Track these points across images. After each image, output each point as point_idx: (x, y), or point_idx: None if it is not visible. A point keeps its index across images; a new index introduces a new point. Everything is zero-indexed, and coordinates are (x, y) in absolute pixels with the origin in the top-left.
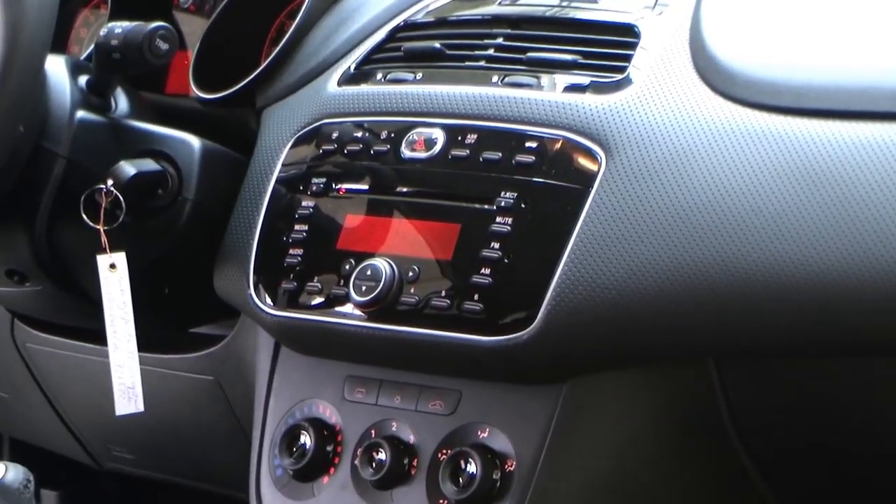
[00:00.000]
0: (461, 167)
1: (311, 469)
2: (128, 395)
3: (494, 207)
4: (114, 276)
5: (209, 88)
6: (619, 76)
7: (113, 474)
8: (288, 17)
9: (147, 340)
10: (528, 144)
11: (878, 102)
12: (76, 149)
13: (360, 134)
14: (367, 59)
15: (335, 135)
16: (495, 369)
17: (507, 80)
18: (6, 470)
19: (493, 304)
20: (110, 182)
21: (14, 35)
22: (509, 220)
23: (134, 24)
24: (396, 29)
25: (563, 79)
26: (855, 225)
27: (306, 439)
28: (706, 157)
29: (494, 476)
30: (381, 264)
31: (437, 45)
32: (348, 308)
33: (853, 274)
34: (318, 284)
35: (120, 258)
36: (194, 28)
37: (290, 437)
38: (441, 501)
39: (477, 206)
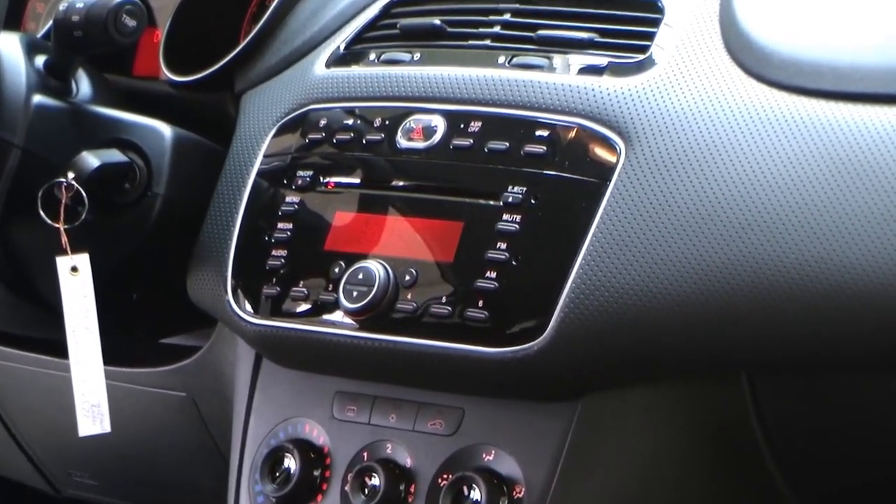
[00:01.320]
0: (464, 158)
1: (296, 496)
2: (92, 414)
3: (501, 203)
4: (75, 281)
5: (182, 70)
6: (641, 56)
7: (73, 502)
8: None
9: (113, 352)
10: (538, 133)
11: None
12: (33, 138)
13: (350, 121)
14: (358, 38)
15: (323, 122)
16: (502, 384)
17: (515, 60)
18: None
19: (500, 311)
20: (71, 175)
21: None
22: (517, 218)
23: None
24: (391, 4)
25: (578, 59)
26: None
27: (291, 463)
28: (738, 147)
29: (501, 503)
30: (375, 267)
31: (436, 21)
32: (338, 316)
33: None
34: (304, 290)
35: (82, 260)
36: (165, 2)
37: (272, 461)
38: None
39: (481, 201)
